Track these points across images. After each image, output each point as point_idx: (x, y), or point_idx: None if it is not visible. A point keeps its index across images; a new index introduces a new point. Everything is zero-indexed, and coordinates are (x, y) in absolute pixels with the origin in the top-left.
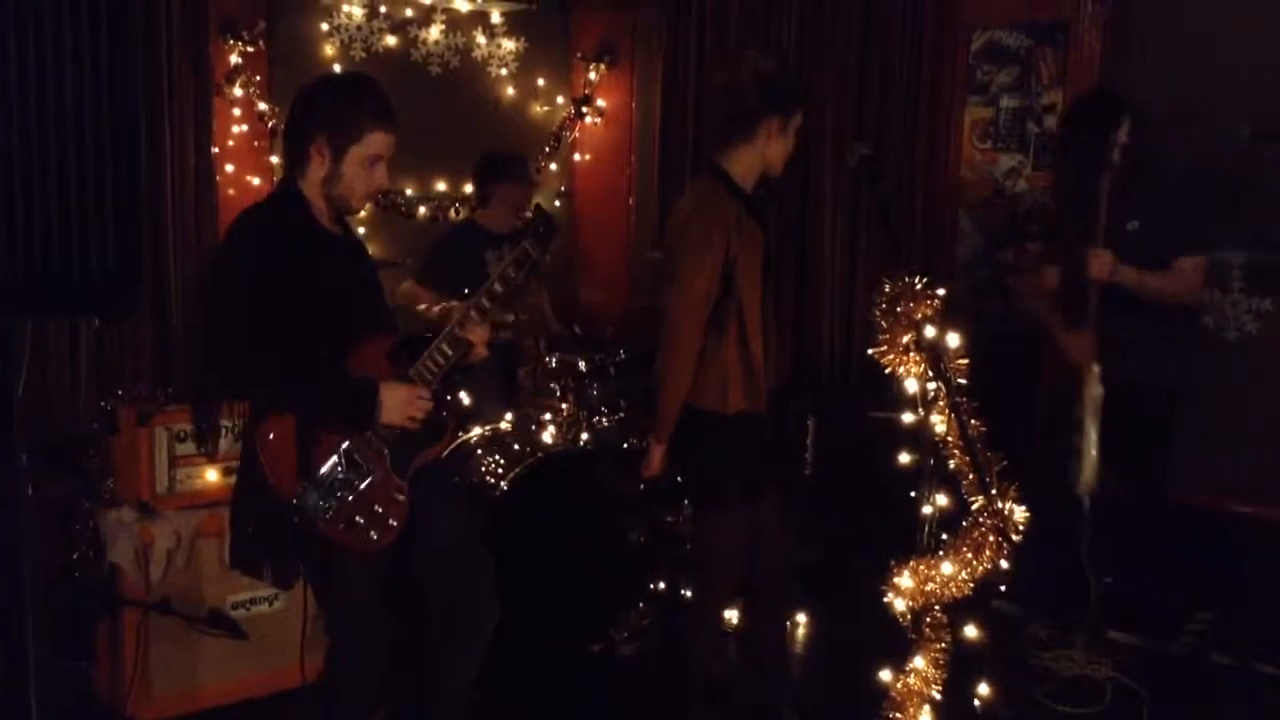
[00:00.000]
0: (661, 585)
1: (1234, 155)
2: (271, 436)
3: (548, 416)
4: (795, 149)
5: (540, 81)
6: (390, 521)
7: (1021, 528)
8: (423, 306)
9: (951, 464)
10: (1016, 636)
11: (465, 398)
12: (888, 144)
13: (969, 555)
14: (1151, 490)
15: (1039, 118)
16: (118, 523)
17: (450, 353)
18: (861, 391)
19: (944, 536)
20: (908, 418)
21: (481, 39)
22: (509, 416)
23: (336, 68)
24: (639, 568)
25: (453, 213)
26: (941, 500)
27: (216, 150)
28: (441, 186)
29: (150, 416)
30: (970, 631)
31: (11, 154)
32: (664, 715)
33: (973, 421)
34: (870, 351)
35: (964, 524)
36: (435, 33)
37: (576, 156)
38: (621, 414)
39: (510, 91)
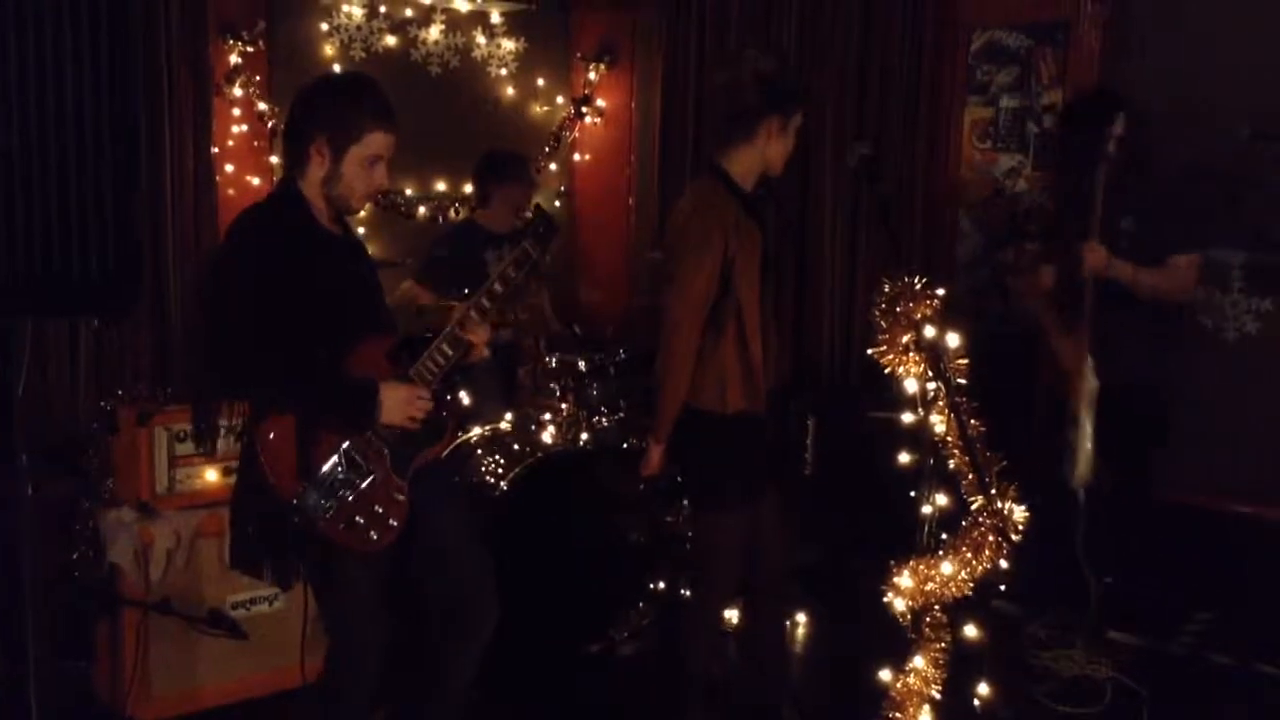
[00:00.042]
0: (661, 585)
1: (1234, 155)
2: (272, 436)
3: (547, 416)
4: (795, 149)
5: (540, 81)
6: (390, 521)
7: (1021, 527)
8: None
9: (951, 464)
10: (1016, 636)
11: (465, 398)
12: (888, 144)
13: (969, 555)
14: (1148, 489)
15: (1039, 118)
16: (117, 523)
17: (450, 353)
18: (861, 391)
19: (944, 536)
20: (907, 418)
21: (481, 39)
22: (509, 416)
23: (336, 68)
24: (638, 568)
25: (452, 213)
26: (941, 500)
27: (216, 150)
28: (441, 186)
29: (150, 416)
30: (970, 631)
31: (11, 154)
32: (664, 715)
33: (972, 421)
34: (870, 351)
35: (964, 524)
36: (435, 33)
37: (576, 156)
38: (621, 414)
39: (510, 91)
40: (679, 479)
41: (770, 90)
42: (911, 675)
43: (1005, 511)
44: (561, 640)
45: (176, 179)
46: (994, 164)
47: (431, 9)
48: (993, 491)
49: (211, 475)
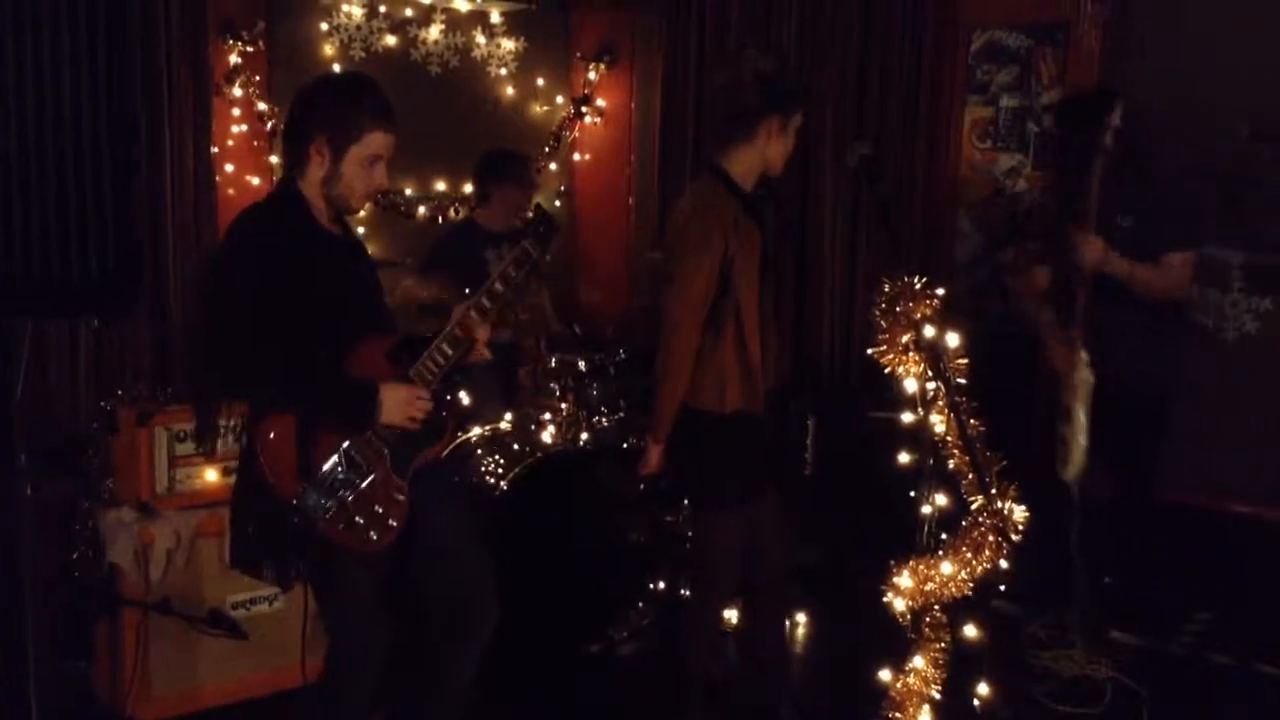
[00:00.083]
0: (661, 585)
1: (1233, 155)
2: (271, 436)
3: (547, 416)
4: (795, 149)
5: (540, 81)
6: (390, 522)
7: (1021, 527)
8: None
9: (951, 464)
10: (1016, 636)
11: (465, 397)
12: (888, 144)
13: (968, 555)
14: (1148, 490)
15: (1039, 117)
16: (117, 523)
17: (450, 353)
18: (861, 391)
19: (943, 536)
20: (907, 417)
21: (481, 39)
22: (509, 416)
23: (336, 68)
24: (638, 568)
25: (452, 213)
26: (941, 500)
27: (216, 150)
28: (441, 186)
29: (150, 416)
30: (970, 631)
31: (10, 155)
32: (663, 715)
33: (972, 421)
34: (870, 351)
35: (963, 524)
36: (435, 32)
37: (576, 156)
38: (621, 414)
39: (510, 91)
40: (679, 479)
41: (770, 90)
42: (911, 675)
43: (1005, 511)
44: (561, 640)
45: (176, 179)
46: (994, 164)
47: (431, 9)
48: (993, 491)
49: (211, 475)
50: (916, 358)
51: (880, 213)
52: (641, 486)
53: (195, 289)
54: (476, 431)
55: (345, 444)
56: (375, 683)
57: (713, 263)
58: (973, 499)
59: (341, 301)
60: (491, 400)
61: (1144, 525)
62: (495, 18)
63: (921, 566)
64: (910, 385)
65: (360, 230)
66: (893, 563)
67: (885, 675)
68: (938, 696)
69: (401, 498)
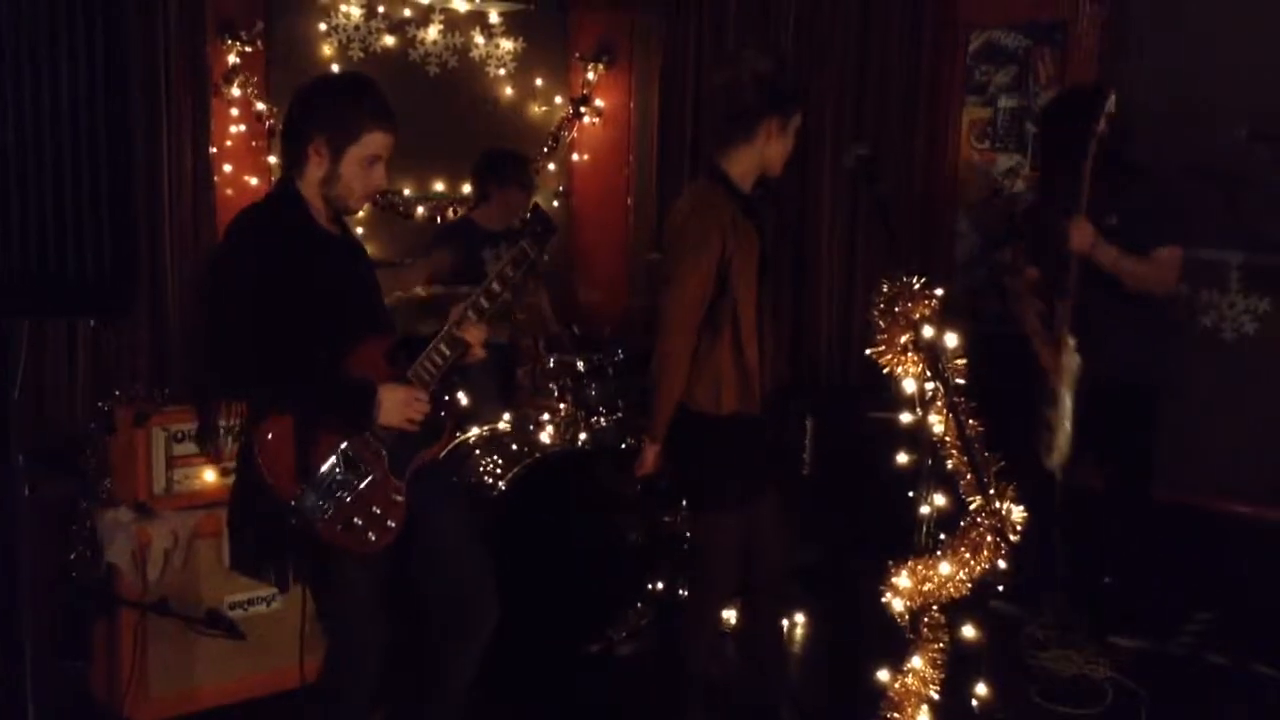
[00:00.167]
0: (660, 585)
1: (1232, 155)
2: (270, 437)
3: (546, 417)
4: (794, 150)
5: (538, 81)
6: (388, 523)
7: (1019, 528)
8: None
9: (949, 464)
10: (1015, 637)
11: (463, 398)
12: (886, 144)
13: (967, 555)
14: (1146, 490)
15: (1037, 118)
16: (115, 523)
17: (448, 353)
18: (860, 392)
19: (942, 536)
20: (906, 418)
21: (480, 39)
22: (507, 417)
23: (335, 68)
24: (637, 568)
25: (451, 213)
26: (939, 500)
27: (214, 150)
28: (440, 187)
29: (147, 417)
30: (968, 631)
31: (6, 153)
32: (663, 715)
33: (970, 421)
34: (868, 351)
35: (962, 524)
36: (433, 33)
37: (575, 157)
38: (619, 414)
39: (508, 91)
40: (677, 479)
41: (769, 91)
42: (910, 675)
43: (1003, 512)
44: (560, 640)
45: (175, 178)
46: (992, 164)
47: (430, 9)
48: (991, 492)
49: (209, 476)
50: (915, 358)
51: (878, 213)
52: (640, 487)
53: (193, 289)
54: (475, 432)
55: (343, 445)
56: (374, 683)
57: (710, 264)
58: (971, 499)
59: (340, 302)
60: (490, 401)
61: (1143, 525)
62: (494, 18)
63: (920, 567)
64: (909, 385)
65: (359, 230)
66: (891, 563)
67: (884, 675)
68: (936, 697)
69: (400, 499)
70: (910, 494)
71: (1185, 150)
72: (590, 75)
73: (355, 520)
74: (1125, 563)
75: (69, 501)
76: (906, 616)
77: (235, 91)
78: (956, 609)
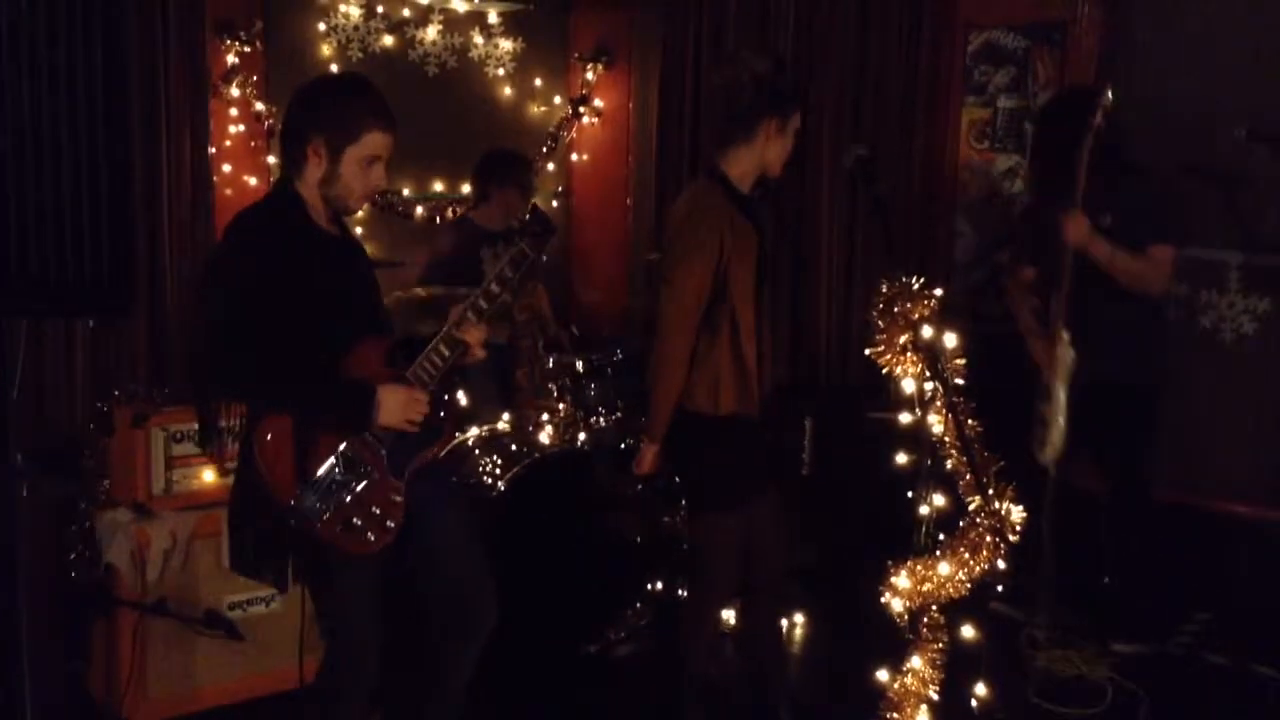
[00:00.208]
0: (659, 586)
1: (1231, 156)
2: (269, 438)
3: (545, 417)
4: (793, 150)
5: (538, 82)
6: (388, 523)
7: (1019, 528)
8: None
9: (948, 464)
10: (1014, 637)
11: (462, 398)
12: (885, 144)
13: (966, 555)
14: (1145, 490)
15: (1036, 117)
16: (114, 523)
17: (447, 354)
18: (859, 392)
19: (941, 537)
20: (905, 418)
21: (479, 39)
22: (506, 417)
23: (334, 68)
24: (636, 568)
25: (450, 213)
26: (939, 500)
27: (213, 150)
28: (439, 187)
29: (146, 417)
30: (967, 632)
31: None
32: (662, 716)
33: (970, 422)
34: (868, 352)
35: (961, 524)
36: (432, 33)
37: (574, 157)
38: (619, 414)
39: (507, 92)
40: (675, 479)
41: (768, 91)
42: (909, 676)
43: (1003, 512)
44: (559, 640)
45: (173, 178)
46: (991, 164)
47: (429, 9)
48: (990, 492)
49: (208, 476)
50: (914, 358)
51: (877, 214)
52: (639, 487)
53: (193, 289)
54: (474, 432)
55: (343, 445)
56: (374, 683)
57: (709, 264)
58: (970, 499)
59: (339, 302)
60: (489, 401)
61: (1142, 525)
62: (493, 18)
63: (919, 567)
64: (908, 386)
65: (358, 230)
66: (890, 563)
67: (883, 675)
68: (935, 697)
69: (399, 499)
70: (909, 494)
71: (1184, 150)
72: (589, 75)
73: (354, 521)
74: (1124, 563)
75: (68, 502)
76: (906, 617)
77: (234, 91)
78: (956, 609)
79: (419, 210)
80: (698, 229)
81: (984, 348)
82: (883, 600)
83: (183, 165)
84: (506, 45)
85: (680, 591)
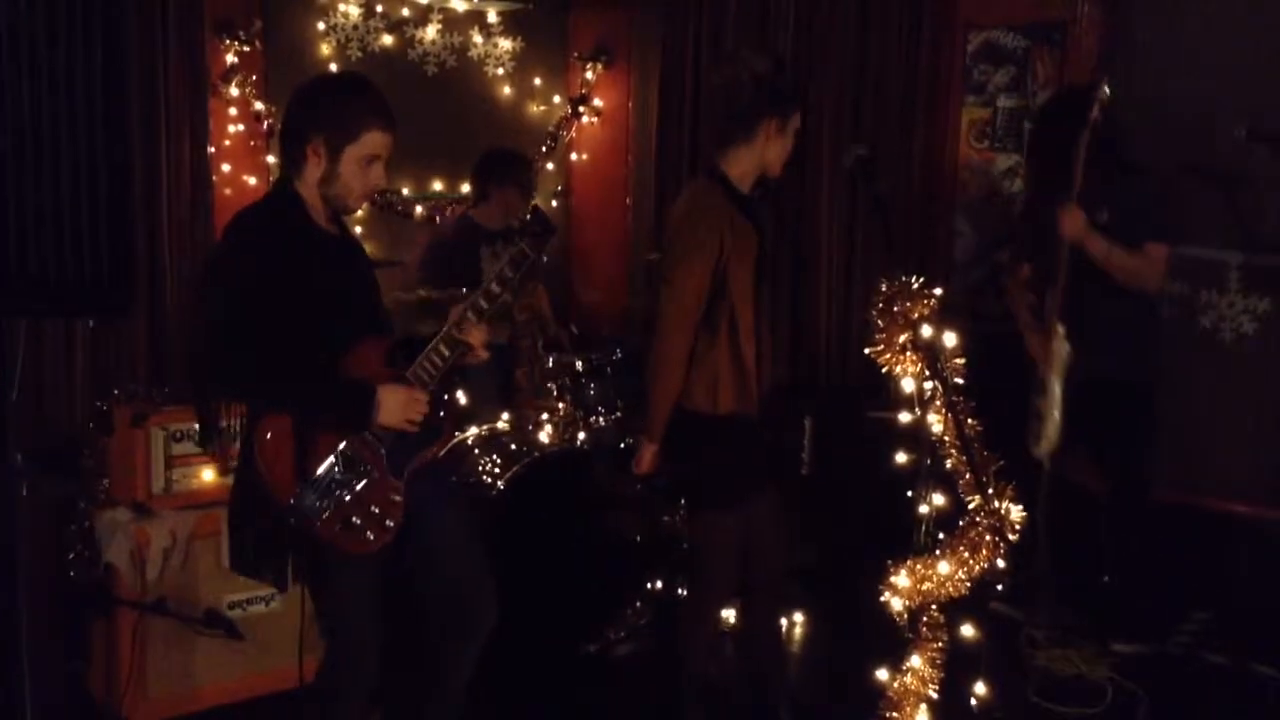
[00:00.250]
0: (658, 585)
1: (1231, 156)
2: (269, 437)
3: (544, 416)
4: (793, 150)
5: (537, 81)
6: (387, 522)
7: (1018, 527)
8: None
9: (948, 463)
10: (1014, 636)
11: (462, 398)
12: (885, 144)
13: (966, 555)
14: (1136, 484)
15: (1034, 115)
16: (113, 523)
17: (448, 354)
18: (859, 391)
19: (941, 536)
20: (905, 417)
21: (478, 38)
22: (506, 416)
23: (333, 67)
24: (636, 567)
25: (449, 213)
26: (938, 499)
27: (212, 150)
28: (438, 186)
29: (146, 417)
30: (967, 631)
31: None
32: (662, 715)
33: (969, 421)
34: (867, 351)
35: (961, 523)
36: (432, 32)
37: (574, 156)
38: (618, 413)
39: (507, 91)
40: (675, 479)
41: (768, 91)
42: (908, 675)
43: (1002, 511)
44: (559, 640)
45: (173, 178)
46: (991, 164)
47: (428, 8)
48: (990, 491)
49: (208, 475)
50: (914, 357)
51: (877, 213)
52: (638, 486)
53: (192, 288)
54: (474, 431)
55: (342, 445)
56: (373, 682)
57: (708, 264)
58: (970, 499)
59: (338, 302)
60: (489, 401)
61: (1141, 524)
62: (492, 17)
63: (919, 566)
64: (908, 385)
65: (357, 230)
66: (890, 562)
67: (883, 675)
68: (935, 696)
69: (398, 498)
70: (909, 493)
71: (1184, 150)
72: (589, 75)
73: (354, 520)
74: (1124, 562)
75: (67, 501)
76: (905, 616)
77: (233, 91)
78: (955, 608)
79: (418, 209)
80: (697, 228)
81: (983, 347)
82: (882, 599)
83: (182, 165)
84: (506, 44)
85: (680, 591)
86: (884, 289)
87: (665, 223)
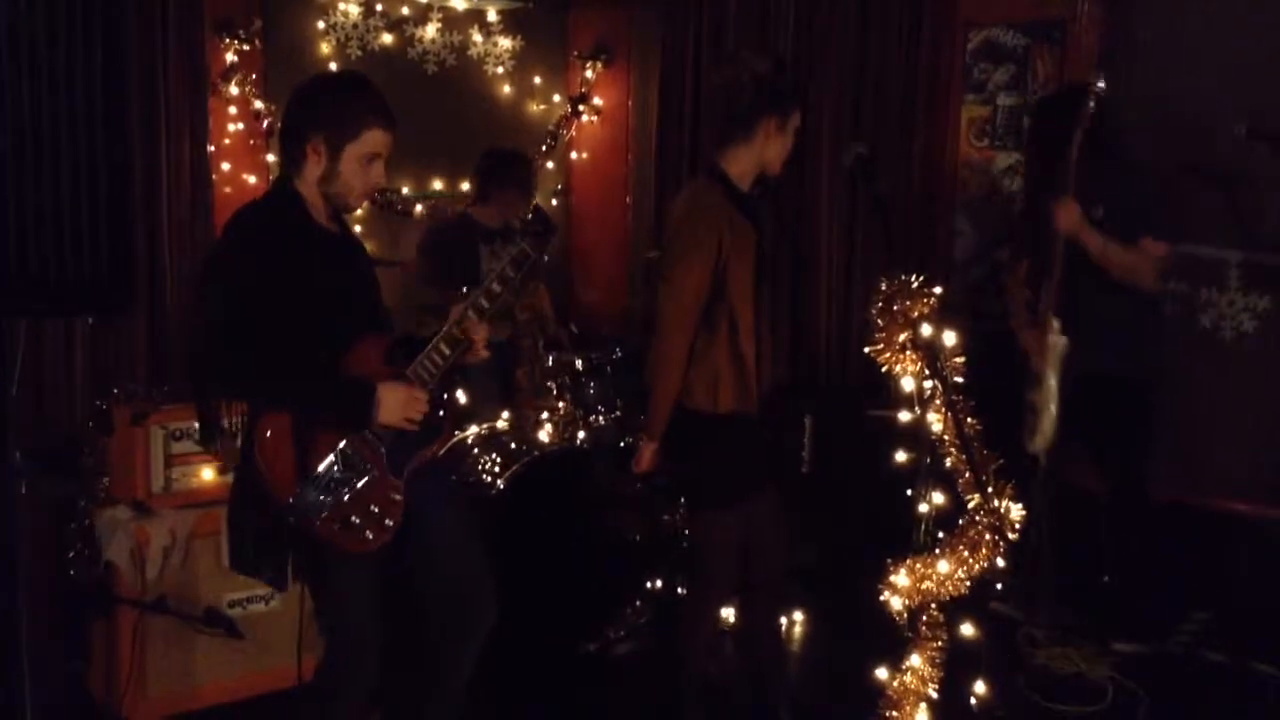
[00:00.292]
0: (658, 584)
1: (1231, 155)
2: (268, 435)
3: (544, 415)
4: (793, 149)
5: (537, 80)
6: (386, 521)
7: (1018, 526)
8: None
9: (948, 462)
10: (1013, 635)
11: (462, 397)
12: (885, 143)
13: (965, 554)
14: (1135, 482)
15: (1032, 111)
16: (113, 522)
17: (448, 353)
18: (859, 390)
19: (940, 535)
20: (904, 416)
21: (478, 37)
22: (506, 415)
23: (333, 66)
24: (636, 566)
25: (449, 213)
26: (938, 498)
27: (212, 148)
28: (438, 185)
29: (145, 415)
30: (967, 630)
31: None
32: (661, 714)
33: (969, 420)
34: (867, 350)
35: (960, 522)
36: (432, 31)
37: (574, 155)
38: (618, 412)
39: (507, 90)
40: (675, 478)
41: (768, 90)
42: (908, 674)
43: (1002, 510)
44: (559, 639)
45: (172, 177)
46: (991, 162)
47: (428, 7)
48: (990, 490)
49: (208, 474)
50: (914, 356)
51: (877, 212)
52: (638, 485)
53: (192, 287)
54: (474, 430)
55: (342, 443)
56: (372, 681)
57: (707, 263)
58: (970, 497)
59: (339, 300)
60: (489, 399)
61: (1141, 524)
62: (492, 16)
63: (919, 565)
64: (907, 384)
65: (357, 229)
66: (890, 561)
67: (882, 674)
68: (935, 695)
69: (398, 497)
70: (909, 492)
71: (1184, 149)
72: (589, 73)
73: (353, 519)
74: (1124, 561)
75: (67, 500)
76: (905, 615)
77: (233, 90)
78: (955, 607)
79: (418, 208)
80: (697, 227)
81: (983, 346)
82: (882, 599)
83: (182, 164)
84: (506, 43)
85: (679, 590)
86: (884, 288)
87: (665, 221)
